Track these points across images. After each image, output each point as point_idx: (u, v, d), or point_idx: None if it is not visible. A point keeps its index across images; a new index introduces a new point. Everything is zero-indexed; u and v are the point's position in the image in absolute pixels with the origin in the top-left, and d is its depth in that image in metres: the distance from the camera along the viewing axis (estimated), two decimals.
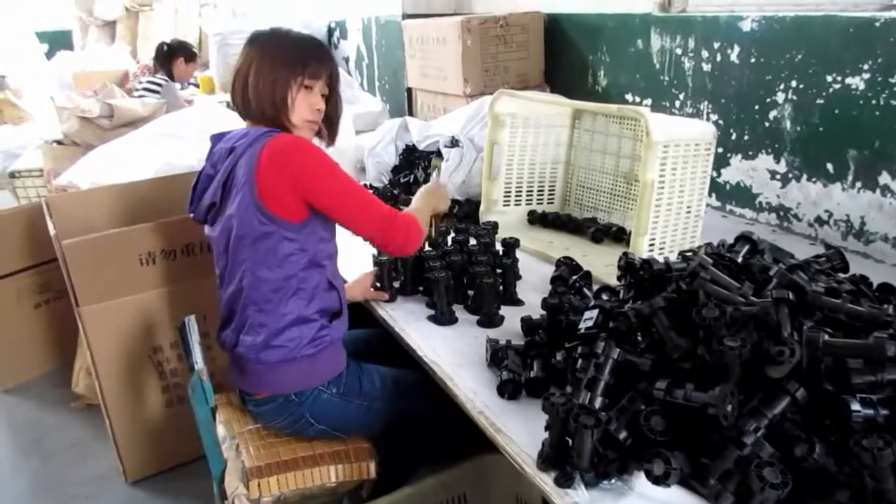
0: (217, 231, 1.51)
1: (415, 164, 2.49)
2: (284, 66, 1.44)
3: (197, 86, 5.23)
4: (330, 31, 4.81)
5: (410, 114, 3.53)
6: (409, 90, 3.54)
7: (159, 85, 4.30)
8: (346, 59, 4.58)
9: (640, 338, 1.19)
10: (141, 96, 4.12)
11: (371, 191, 2.48)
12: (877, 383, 0.96)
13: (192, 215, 1.58)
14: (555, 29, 2.88)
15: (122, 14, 6.97)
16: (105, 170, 2.36)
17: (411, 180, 2.46)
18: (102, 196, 2.17)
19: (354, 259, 1.81)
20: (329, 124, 1.59)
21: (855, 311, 1.07)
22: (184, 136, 2.41)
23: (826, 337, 1.00)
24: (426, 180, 2.36)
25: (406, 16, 3.51)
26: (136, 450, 2.12)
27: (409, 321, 1.59)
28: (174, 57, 4.59)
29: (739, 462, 0.93)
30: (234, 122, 2.47)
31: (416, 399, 1.58)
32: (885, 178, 1.74)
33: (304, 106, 1.48)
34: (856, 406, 0.94)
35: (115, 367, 1.99)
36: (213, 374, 1.57)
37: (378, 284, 1.72)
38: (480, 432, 1.26)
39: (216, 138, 1.54)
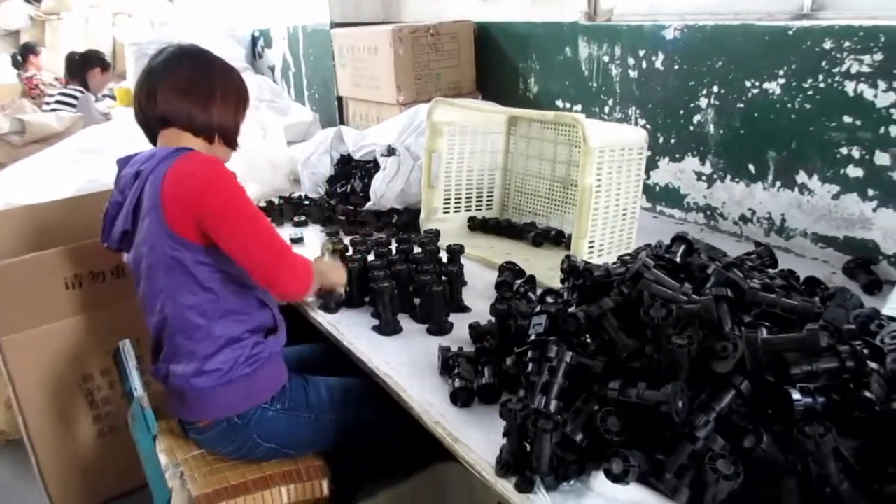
0: (131, 259, 1.46)
1: (351, 173, 2.47)
2: (241, 100, 1.55)
3: (113, 98, 5.01)
4: (254, 40, 4.71)
5: (342, 123, 3.49)
6: (340, 99, 3.51)
7: (75, 97, 4.10)
8: (272, 69, 4.50)
9: (589, 340, 1.21)
10: (54, 110, 3.92)
11: (307, 202, 2.44)
12: (813, 373, 1.01)
13: (105, 244, 1.51)
14: (485, 37, 2.92)
15: (26, 24, 6.62)
16: (21, 189, 2.22)
17: (348, 190, 2.43)
18: (19, 217, 2.04)
19: None
20: None
21: (789, 305, 1.13)
22: (108, 151, 2.30)
23: (764, 334, 1.05)
24: (364, 189, 2.34)
25: (334, 24, 3.47)
26: (67, 486, 2.00)
27: (356, 333, 1.57)
28: (89, 67, 4.39)
29: (693, 456, 0.96)
30: None
31: (365, 407, 1.56)
32: (802, 177, 1.85)
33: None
34: (796, 395, 0.98)
35: (40, 398, 1.88)
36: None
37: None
38: (433, 439, 1.25)
39: (122, 162, 1.49)
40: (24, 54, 5.66)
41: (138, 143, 2.09)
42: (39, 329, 1.82)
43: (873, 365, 1.05)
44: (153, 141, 1.52)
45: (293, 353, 1.64)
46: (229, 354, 1.41)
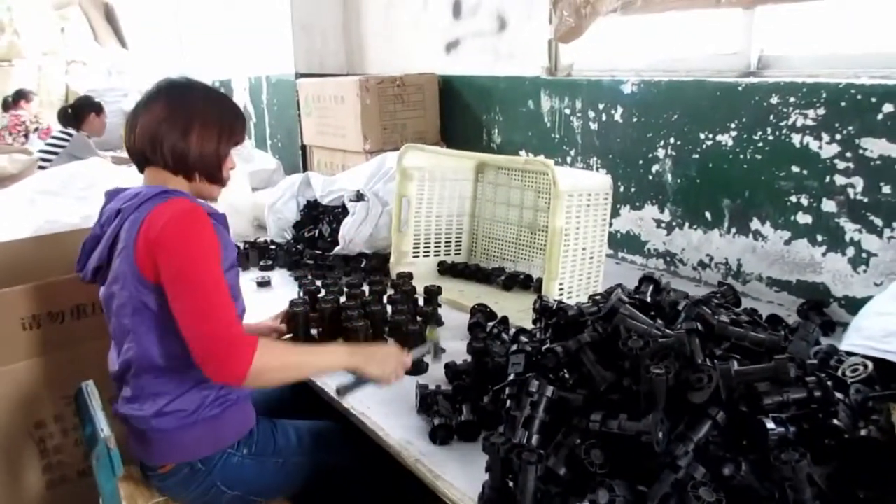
0: (104, 294, 1.42)
1: (318, 218, 2.48)
2: (224, 129, 1.44)
3: None
4: None
5: (305, 170, 3.51)
6: (304, 147, 3.54)
7: (66, 139, 4.18)
8: None
9: (566, 374, 1.24)
10: (49, 150, 4.05)
11: (273, 247, 2.43)
12: (784, 403, 1.05)
13: (81, 276, 1.47)
14: (449, 90, 3.01)
15: None
16: None
17: (315, 235, 2.43)
18: None
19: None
20: None
21: (757, 339, 1.18)
22: (66, 193, 2.26)
23: (736, 366, 1.09)
24: (332, 234, 2.34)
25: (299, 75, 3.53)
26: None
27: (330, 373, 1.55)
28: (83, 116, 4.50)
29: (676, 485, 0.98)
30: (122, 178, 2.35)
31: (336, 450, 1.53)
32: (755, 223, 1.94)
33: (227, 166, 1.49)
34: (770, 425, 1.02)
35: None
36: None
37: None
38: (407, 482, 1.24)
39: (110, 195, 1.45)
40: (16, 99, 6.00)
41: (101, 185, 2.06)
42: None
43: (839, 395, 1.10)
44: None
45: (259, 395, 1.60)
46: (196, 395, 1.37)
